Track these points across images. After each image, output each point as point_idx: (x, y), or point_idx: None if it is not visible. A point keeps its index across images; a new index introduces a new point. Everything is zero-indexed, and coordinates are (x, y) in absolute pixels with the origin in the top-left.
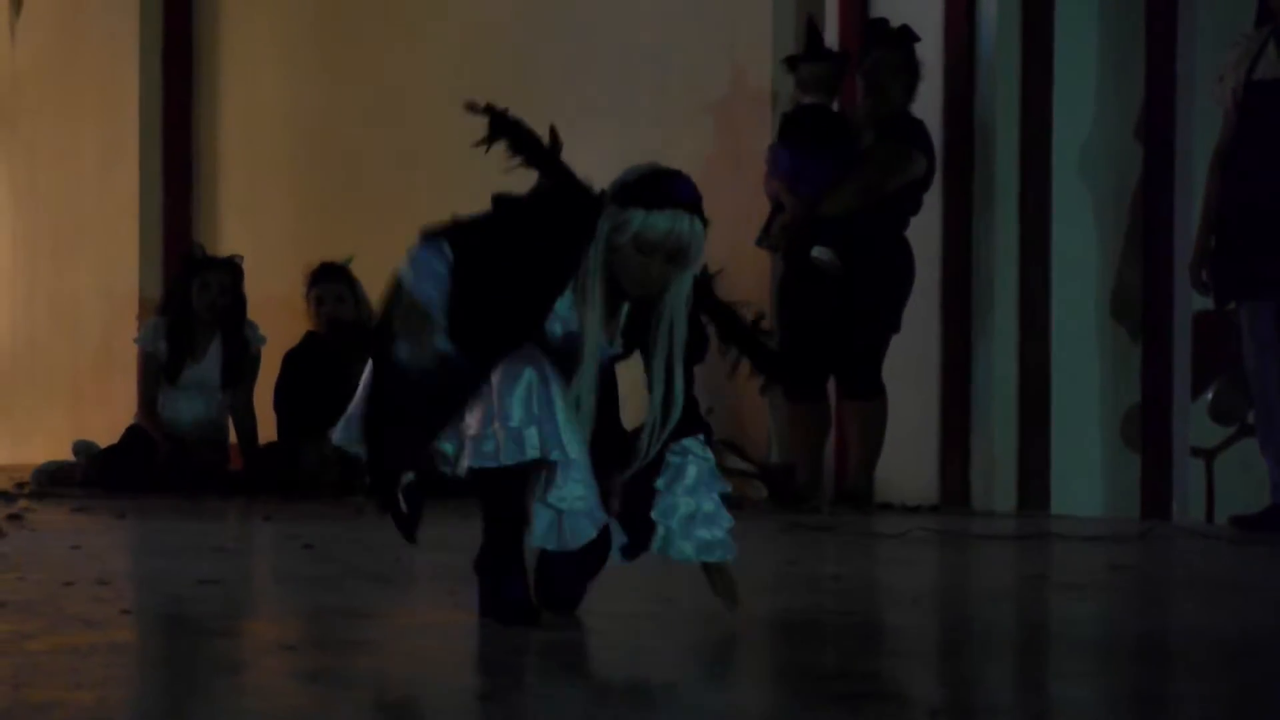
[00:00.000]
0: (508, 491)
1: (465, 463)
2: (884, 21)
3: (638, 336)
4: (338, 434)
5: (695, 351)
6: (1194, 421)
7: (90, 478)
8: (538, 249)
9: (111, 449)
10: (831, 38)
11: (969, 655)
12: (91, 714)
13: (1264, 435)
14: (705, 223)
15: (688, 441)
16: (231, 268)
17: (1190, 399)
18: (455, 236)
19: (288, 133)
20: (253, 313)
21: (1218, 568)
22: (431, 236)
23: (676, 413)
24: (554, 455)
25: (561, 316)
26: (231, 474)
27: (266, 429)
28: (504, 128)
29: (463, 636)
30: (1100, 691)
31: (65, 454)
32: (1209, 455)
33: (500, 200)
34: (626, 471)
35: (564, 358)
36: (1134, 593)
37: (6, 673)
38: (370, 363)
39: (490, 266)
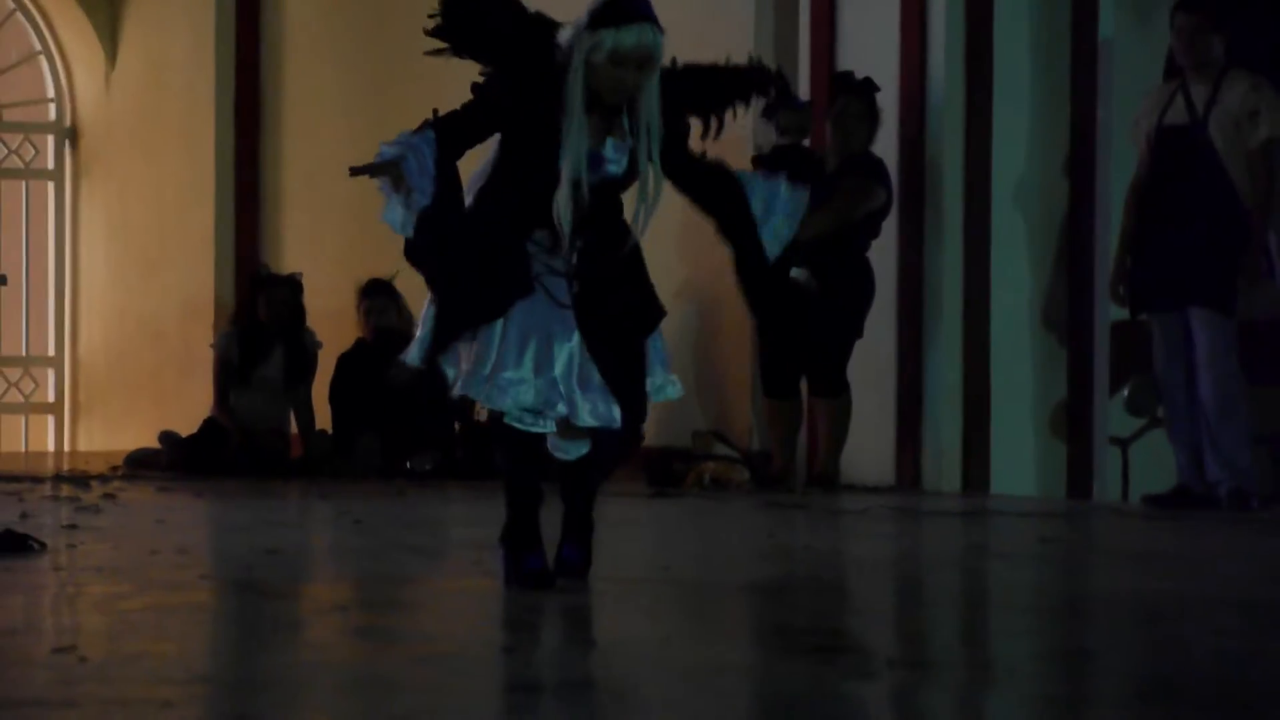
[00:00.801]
0: (526, 473)
1: (458, 390)
2: (849, 74)
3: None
4: (409, 355)
5: (673, 146)
6: (1112, 415)
7: (173, 463)
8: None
9: (191, 438)
10: (804, 87)
11: (921, 614)
12: (174, 663)
13: (1171, 426)
14: (662, 31)
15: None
16: (292, 284)
17: (1108, 395)
18: (436, 119)
19: (342, 169)
20: (311, 322)
21: (1132, 539)
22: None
23: (658, 194)
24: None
25: (606, 156)
26: (292, 460)
27: (322, 421)
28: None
29: (489, 599)
30: (1032, 645)
31: (152, 442)
32: (1124, 443)
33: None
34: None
35: (598, 196)
36: (1061, 561)
37: (103, 628)
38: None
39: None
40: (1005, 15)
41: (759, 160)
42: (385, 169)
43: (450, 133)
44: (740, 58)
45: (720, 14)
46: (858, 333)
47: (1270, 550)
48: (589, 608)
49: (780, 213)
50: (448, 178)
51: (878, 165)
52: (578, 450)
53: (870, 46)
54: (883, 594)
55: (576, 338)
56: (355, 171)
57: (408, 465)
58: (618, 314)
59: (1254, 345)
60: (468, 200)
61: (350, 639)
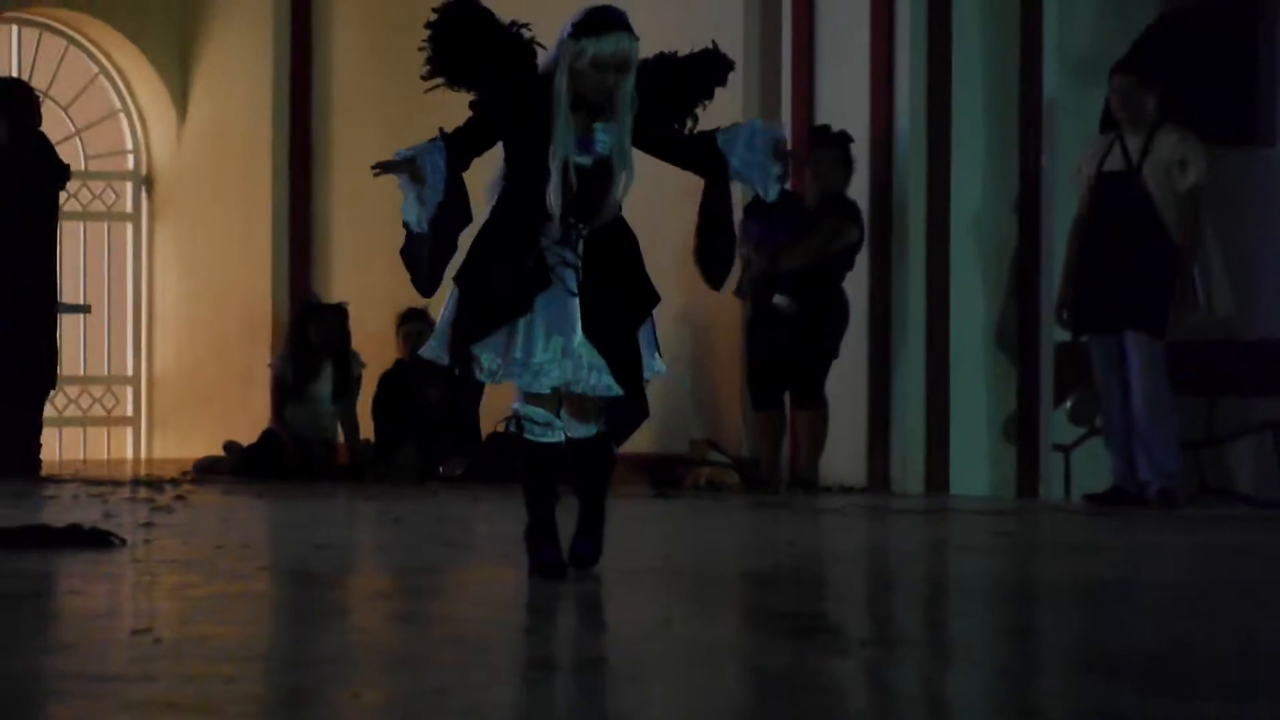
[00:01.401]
0: (541, 478)
1: (499, 378)
2: (826, 127)
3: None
4: (425, 350)
5: (654, 125)
6: (1056, 424)
7: (236, 469)
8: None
9: (252, 447)
10: (786, 138)
11: (890, 599)
12: (238, 644)
13: (1108, 435)
14: (637, 38)
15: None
16: (339, 311)
17: (1053, 407)
18: (444, 134)
19: (383, 211)
20: (356, 344)
21: (1074, 533)
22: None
23: (630, 171)
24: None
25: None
26: (340, 466)
27: (366, 432)
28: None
29: (512, 587)
30: (988, 626)
31: (218, 451)
32: (1067, 450)
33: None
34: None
35: (595, 175)
36: (1012, 552)
37: (174, 612)
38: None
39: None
40: (961, 74)
41: (750, 206)
42: (405, 166)
43: (457, 144)
44: (728, 109)
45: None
46: (834, 352)
47: (1193, 543)
48: (600, 594)
49: (759, 155)
50: (456, 180)
51: (851, 206)
52: (587, 430)
53: (844, 103)
54: (856, 582)
55: (579, 325)
56: (378, 167)
57: (441, 471)
58: (615, 306)
59: (1181, 362)
60: (486, 207)
61: (390, 622)
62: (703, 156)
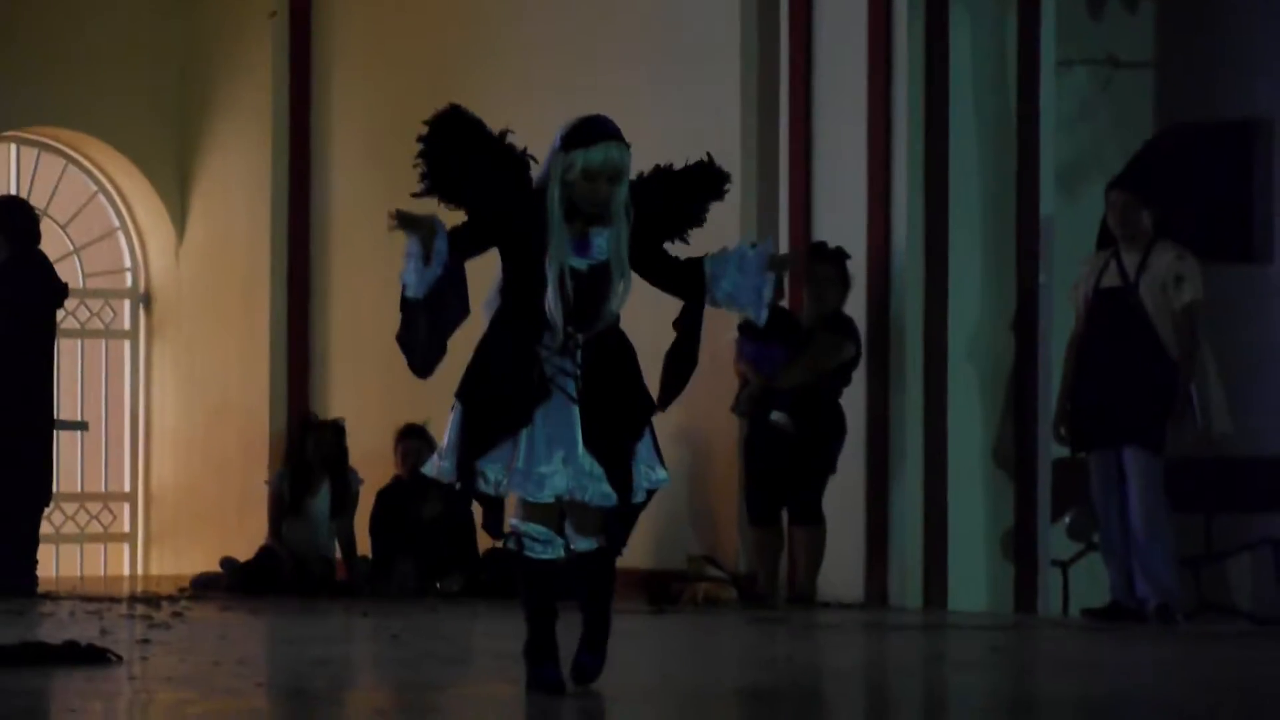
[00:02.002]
0: (541, 595)
1: (503, 489)
2: (824, 244)
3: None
4: (429, 467)
5: (645, 243)
6: (1054, 540)
7: (233, 585)
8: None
9: (249, 563)
10: (775, 252)
11: (888, 715)
12: None
13: (1105, 550)
14: (628, 146)
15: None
16: (336, 428)
17: (1051, 523)
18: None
19: (381, 331)
20: (353, 462)
21: (1072, 649)
22: None
23: (628, 279)
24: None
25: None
26: (337, 582)
27: (363, 548)
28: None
29: (511, 704)
30: None
31: (215, 567)
32: (1065, 565)
33: None
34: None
35: (593, 281)
36: (1010, 668)
37: None
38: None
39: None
40: (958, 194)
41: (746, 324)
42: (424, 222)
43: (457, 237)
44: (726, 226)
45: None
46: (832, 468)
47: (1191, 659)
48: (600, 711)
49: (751, 275)
50: (456, 264)
51: (848, 323)
52: (589, 543)
53: (841, 220)
54: (855, 698)
55: (579, 436)
56: (396, 216)
57: (438, 586)
58: (614, 416)
59: (1178, 479)
60: (484, 323)
61: None
62: (687, 280)
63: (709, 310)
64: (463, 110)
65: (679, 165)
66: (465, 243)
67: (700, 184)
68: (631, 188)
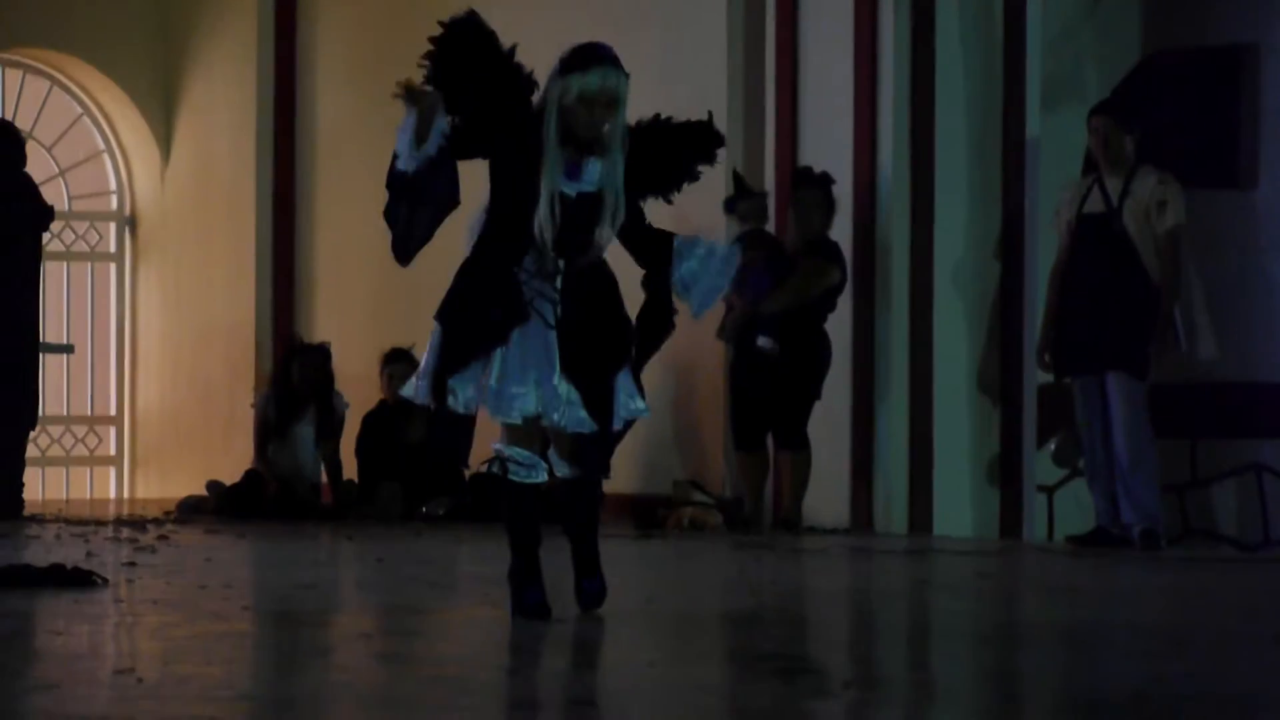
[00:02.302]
0: (524, 519)
1: (471, 407)
2: (809, 169)
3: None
4: (406, 388)
5: (629, 204)
6: (1039, 465)
7: (219, 508)
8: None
9: (235, 487)
10: (769, 180)
11: (873, 640)
12: (220, 684)
13: (1090, 476)
14: (626, 75)
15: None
16: (322, 352)
17: (1036, 449)
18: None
19: (367, 254)
20: (340, 385)
21: (1057, 575)
22: None
23: (621, 208)
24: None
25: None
26: (323, 506)
27: (349, 472)
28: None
29: (495, 627)
30: (970, 667)
31: (201, 490)
32: (1050, 491)
33: None
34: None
35: (580, 209)
36: (995, 594)
37: (157, 652)
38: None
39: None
40: (944, 118)
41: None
42: (425, 99)
43: (451, 134)
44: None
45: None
46: (817, 394)
47: (1176, 584)
48: (584, 635)
49: (711, 273)
50: (449, 155)
51: (833, 248)
52: (576, 470)
53: (827, 144)
54: (839, 623)
55: (557, 361)
56: (403, 87)
57: (424, 510)
58: (593, 345)
59: (1164, 404)
60: (466, 246)
61: (373, 662)
62: (656, 249)
63: (698, 232)
64: (479, 18)
65: (679, 120)
66: (457, 142)
67: (695, 144)
68: (631, 133)
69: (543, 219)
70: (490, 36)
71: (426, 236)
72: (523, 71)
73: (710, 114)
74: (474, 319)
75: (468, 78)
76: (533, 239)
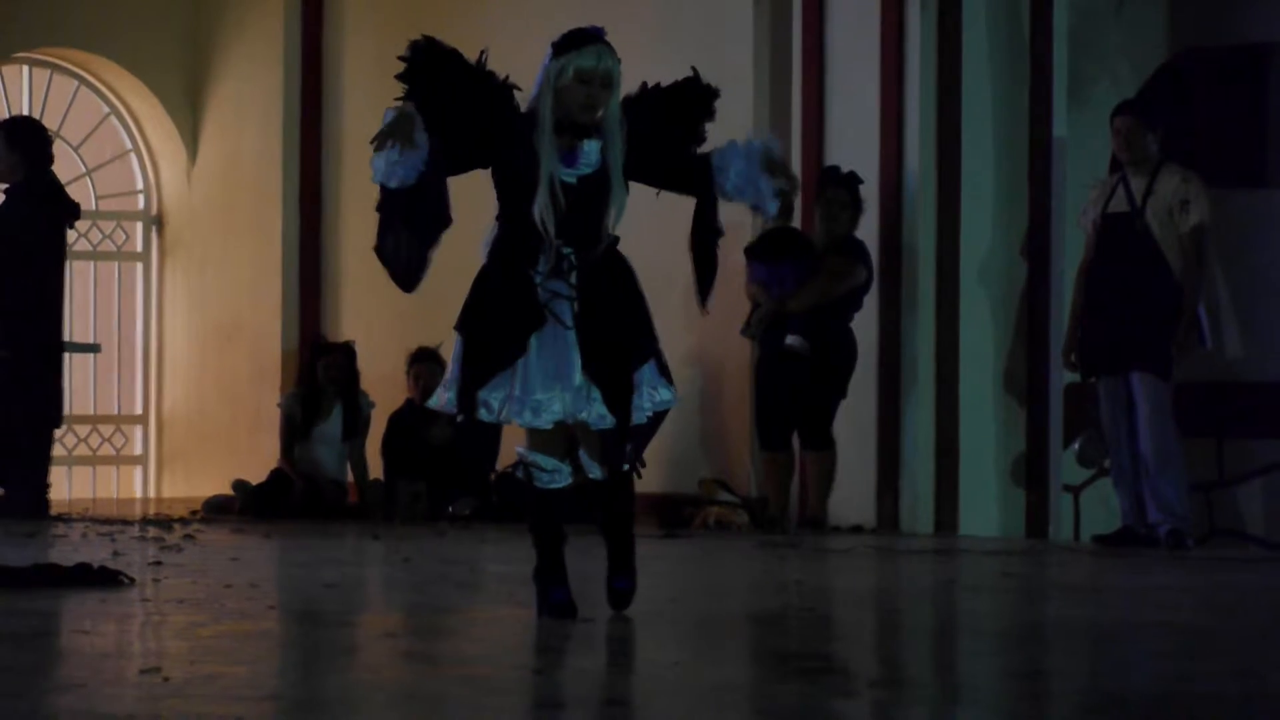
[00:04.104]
0: (548, 520)
1: (502, 417)
2: (836, 168)
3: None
4: (444, 401)
5: (642, 151)
6: (1064, 465)
7: (245, 508)
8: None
9: (261, 486)
10: (775, 149)
11: (898, 640)
12: (245, 683)
13: (1116, 476)
14: (619, 59)
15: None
16: (346, 351)
17: (1062, 448)
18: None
19: None
20: (365, 385)
21: (1083, 574)
22: None
23: (624, 194)
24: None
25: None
26: (349, 506)
27: (375, 471)
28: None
29: (521, 627)
30: (996, 667)
31: (227, 490)
32: (1076, 491)
33: None
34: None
35: (582, 194)
36: (1020, 593)
37: (183, 651)
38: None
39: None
40: (971, 117)
41: (755, 248)
42: (400, 126)
43: (438, 153)
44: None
45: (719, 120)
46: (842, 393)
47: (1202, 584)
48: (609, 635)
49: (756, 162)
50: (436, 171)
51: (860, 247)
52: (596, 470)
53: (854, 143)
54: (865, 623)
55: (578, 360)
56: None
57: (450, 510)
58: (613, 340)
59: (1188, 403)
60: (483, 255)
61: (399, 662)
62: (696, 175)
63: (724, 229)
64: (436, 41)
65: (666, 82)
66: (445, 159)
67: (691, 102)
68: (626, 104)
69: (542, 205)
70: (453, 53)
71: (424, 259)
72: (496, 77)
73: (694, 69)
74: (493, 329)
75: (444, 95)
76: (541, 238)
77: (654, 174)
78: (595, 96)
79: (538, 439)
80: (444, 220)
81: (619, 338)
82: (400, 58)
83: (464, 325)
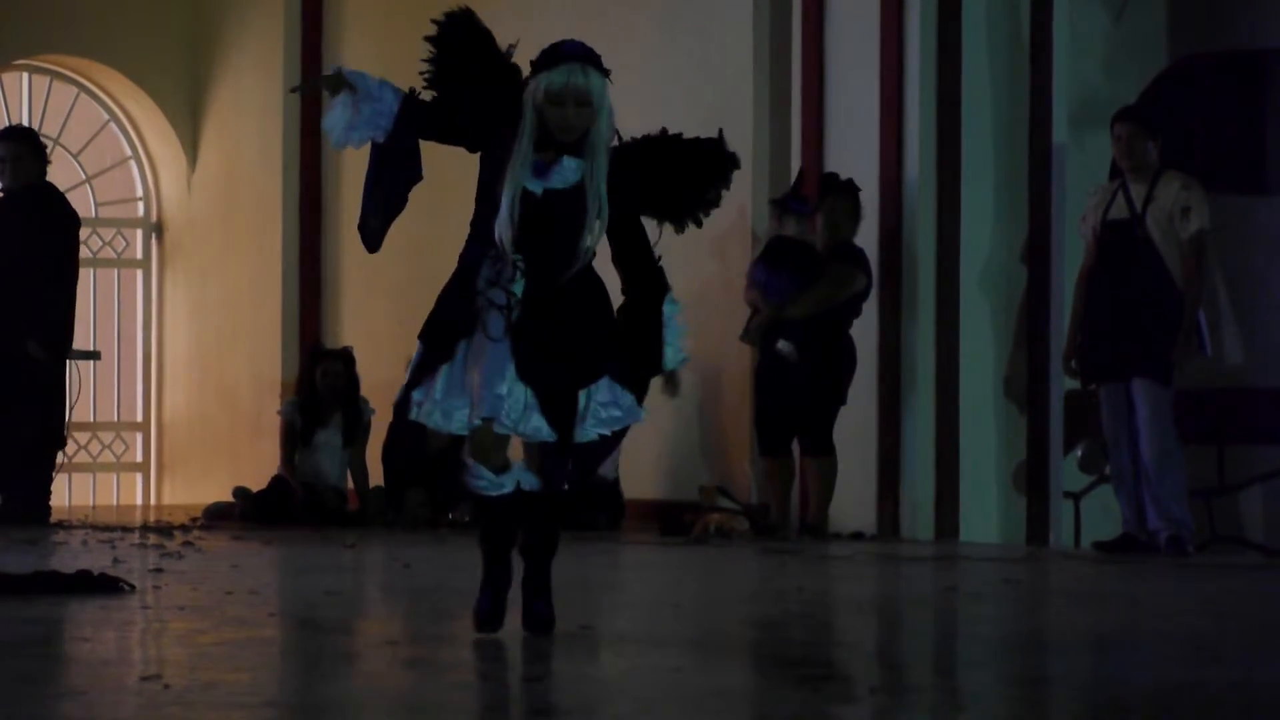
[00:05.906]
0: (490, 524)
1: (414, 416)
2: (836, 175)
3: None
4: (413, 412)
5: (621, 210)
6: (1065, 472)
7: (245, 515)
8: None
9: (261, 493)
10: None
11: (899, 646)
12: (246, 691)
13: (1116, 482)
14: (604, 72)
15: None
16: (345, 357)
17: (1062, 455)
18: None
19: (393, 259)
20: (366, 391)
21: (1084, 581)
22: None
23: (604, 217)
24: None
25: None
26: (349, 512)
27: (375, 478)
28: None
29: (521, 635)
30: (997, 673)
31: (227, 497)
32: (1076, 497)
33: None
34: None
35: (547, 208)
36: (1021, 600)
37: (184, 659)
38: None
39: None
40: (971, 124)
41: (771, 246)
42: (330, 82)
43: (425, 107)
44: (740, 158)
45: (719, 118)
46: (842, 400)
47: (1203, 590)
48: (610, 641)
49: (672, 341)
50: (406, 128)
51: (859, 254)
52: (533, 482)
53: (854, 152)
54: (866, 629)
55: (511, 369)
56: (298, 89)
57: (450, 517)
58: (562, 357)
59: (1188, 410)
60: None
61: (399, 669)
62: (648, 274)
63: (726, 235)
64: (475, 16)
65: (689, 137)
66: (431, 117)
67: (707, 165)
68: (633, 146)
69: (501, 219)
70: (486, 33)
71: (390, 212)
72: (516, 73)
73: (720, 131)
74: (432, 335)
75: (462, 68)
76: (493, 245)
77: (620, 231)
78: (569, 116)
79: (476, 446)
80: (415, 172)
81: (564, 351)
82: (434, 20)
83: (422, 329)
